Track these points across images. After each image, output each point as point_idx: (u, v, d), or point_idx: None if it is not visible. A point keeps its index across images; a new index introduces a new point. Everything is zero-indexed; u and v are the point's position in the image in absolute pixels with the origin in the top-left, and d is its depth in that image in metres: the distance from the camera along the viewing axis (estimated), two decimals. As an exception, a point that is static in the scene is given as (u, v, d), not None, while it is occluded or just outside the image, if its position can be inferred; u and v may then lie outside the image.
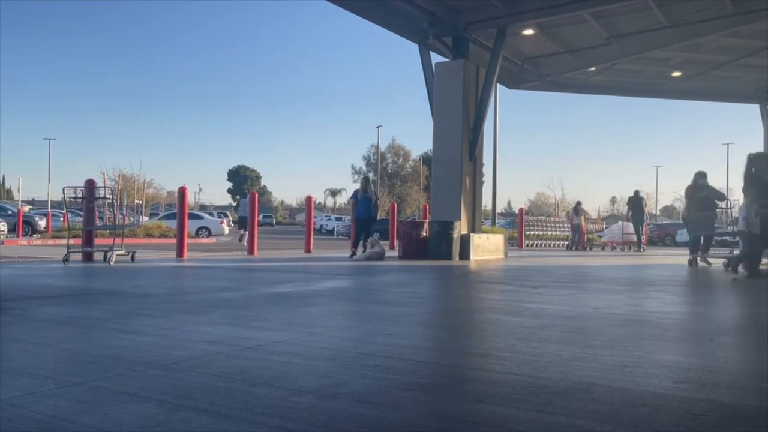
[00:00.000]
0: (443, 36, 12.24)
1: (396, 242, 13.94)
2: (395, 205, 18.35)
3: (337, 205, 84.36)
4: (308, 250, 13.20)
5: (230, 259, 10.61)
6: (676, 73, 16.57)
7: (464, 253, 11.39)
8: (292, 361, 2.66)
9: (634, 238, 18.42)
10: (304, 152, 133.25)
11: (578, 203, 20.63)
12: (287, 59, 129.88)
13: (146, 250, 13.14)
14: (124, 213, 23.04)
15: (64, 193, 9.15)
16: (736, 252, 10.49)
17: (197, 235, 24.79)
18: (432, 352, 3.10)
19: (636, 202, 18.36)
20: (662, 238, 33.01)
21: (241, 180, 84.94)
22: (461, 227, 11.56)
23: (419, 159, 66.83)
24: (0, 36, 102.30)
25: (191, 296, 5.26)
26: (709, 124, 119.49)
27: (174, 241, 11.54)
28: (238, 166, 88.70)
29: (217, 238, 25.14)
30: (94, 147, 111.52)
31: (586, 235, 20.34)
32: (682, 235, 31.31)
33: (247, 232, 19.95)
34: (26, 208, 31.31)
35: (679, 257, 14.52)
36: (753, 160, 8.81)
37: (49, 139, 59.71)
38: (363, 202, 11.69)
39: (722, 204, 10.78)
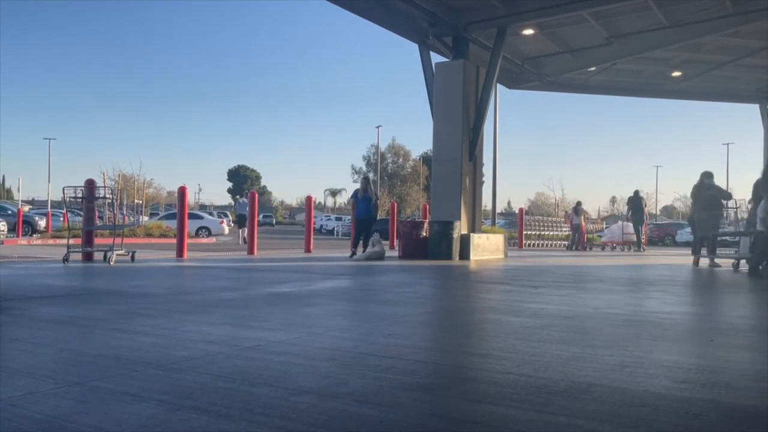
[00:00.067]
0: (443, 36, 12.24)
1: (396, 242, 13.94)
2: (395, 205, 18.35)
3: (337, 205, 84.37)
4: (308, 250, 13.20)
5: (230, 259, 10.61)
6: (676, 73, 16.58)
7: (464, 253, 11.39)
8: (292, 361, 2.66)
9: (634, 238, 18.44)
10: (304, 152, 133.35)
11: (578, 203, 20.65)
12: (287, 59, 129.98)
13: (146, 250, 13.14)
14: (124, 213, 23.02)
15: (64, 192, 9.15)
16: (735, 251, 10.49)
17: (197, 235, 24.80)
18: (432, 352, 3.10)
19: (636, 202, 18.38)
20: (662, 238, 33.04)
21: (241, 180, 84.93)
22: (461, 227, 11.56)
23: (419, 159, 66.84)
24: (0, 36, 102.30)
25: (191, 296, 5.26)
26: (709, 124, 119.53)
27: (174, 241, 11.54)
28: (238, 166, 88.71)
29: (217, 238, 25.15)
30: (94, 147, 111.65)
31: (586, 235, 20.34)
32: (682, 235, 31.40)
33: (245, 230, 20.31)
34: (26, 208, 31.30)
35: (679, 257, 14.52)
36: None
37: (49, 139, 59.82)
38: (363, 202, 11.69)
39: (729, 204, 10.69)
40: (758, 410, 2.10)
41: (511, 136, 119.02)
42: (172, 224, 17.13)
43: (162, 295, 5.20)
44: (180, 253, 10.44)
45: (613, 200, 77.30)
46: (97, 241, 10.22)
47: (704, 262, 10.40)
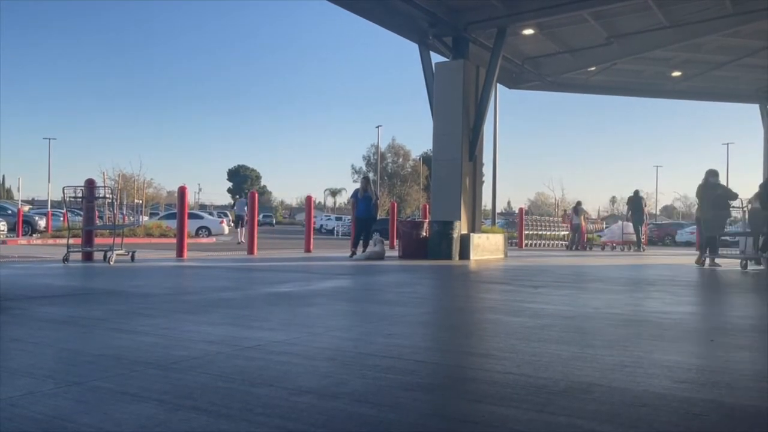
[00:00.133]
0: (443, 36, 12.24)
1: (396, 242, 13.95)
2: (395, 204, 18.35)
3: (337, 205, 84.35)
4: (308, 250, 13.20)
5: (230, 259, 10.61)
6: (676, 73, 16.58)
7: (464, 253, 11.40)
8: (292, 361, 2.66)
9: (634, 238, 18.44)
10: (304, 152, 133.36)
11: (578, 203, 20.66)
12: (287, 59, 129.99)
13: (146, 249, 13.14)
14: (124, 213, 23.04)
15: (63, 192, 9.15)
16: (741, 252, 10.43)
17: (197, 234, 24.79)
18: (432, 352, 3.10)
19: (636, 201, 18.38)
20: (662, 237, 33.05)
21: (241, 180, 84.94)
22: (461, 227, 11.57)
23: (419, 159, 66.83)
24: (0, 36, 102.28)
25: (191, 296, 5.26)
26: (709, 124, 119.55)
27: (174, 240, 11.54)
28: (238, 165, 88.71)
29: (217, 238, 25.15)
30: (94, 147, 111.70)
31: (586, 235, 20.35)
32: (682, 235, 31.41)
33: (243, 229, 20.63)
34: (26, 208, 31.30)
35: (679, 257, 14.52)
36: None
37: (49, 139, 59.84)
38: (363, 202, 11.68)
39: (735, 203, 10.57)
40: (758, 410, 2.10)
41: (511, 136, 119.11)
42: (172, 224, 17.13)
43: (162, 294, 5.20)
44: (180, 252, 10.44)
45: (613, 200, 77.32)
46: (97, 240, 10.22)
47: (716, 261, 10.29)
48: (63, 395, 2.08)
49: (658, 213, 68.82)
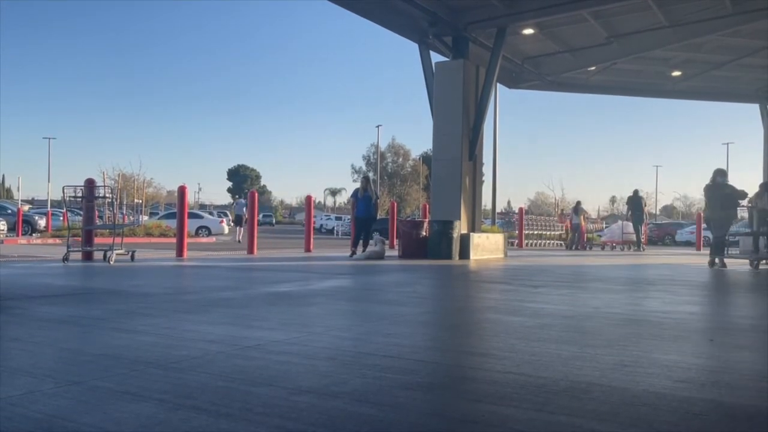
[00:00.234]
0: (443, 36, 12.24)
1: (396, 242, 13.95)
2: (395, 204, 18.35)
3: (337, 205, 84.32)
4: (308, 250, 13.20)
5: (230, 259, 10.61)
6: (676, 73, 16.58)
7: (464, 253, 11.40)
8: (291, 360, 2.66)
9: (634, 237, 18.44)
10: (304, 152, 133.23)
11: (578, 203, 20.66)
12: (287, 59, 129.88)
13: (146, 249, 13.14)
14: (124, 212, 23.04)
15: (63, 192, 9.15)
16: (736, 251, 10.41)
17: (197, 234, 24.78)
18: (432, 351, 3.10)
19: (635, 201, 18.38)
20: (662, 237, 33.03)
21: (241, 179, 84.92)
22: (461, 227, 11.57)
23: (419, 158, 66.81)
24: (0, 36, 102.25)
25: (191, 295, 5.26)
26: (709, 124, 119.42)
27: (174, 240, 11.54)
28: (238, 165, 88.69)
29: (216, 238, 25.14)
30: (94, 146, 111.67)
31: (585, 235, 20.36)
32: (682, 235, 31.40)
33: (242, 229, 20.90)
34: (26, 208, 31.27)
35: (679, 256, 14.53)
36: None
37: (49, 139, 59.65)
38: (363, 202, 11.68)
39: (744, 202, 10.41)
40: (758, 410, 2.10)
41: (511, 135, 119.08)
42: (172, 224, 17.13)
43: (162, 294, 5.20)
44: (180, 252, 10.44)
45: (613, 200, 77.25)
46: (97, 240, 10.22)
47: (725, 262, 10.11)
48: (63, 395, 2.08)
49: (657, 213, 68.82)
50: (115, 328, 3.40)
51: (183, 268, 8.46)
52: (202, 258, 10.63)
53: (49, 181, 55.64)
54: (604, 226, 27.11)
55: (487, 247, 12.20)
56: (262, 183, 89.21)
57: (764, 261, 10.09)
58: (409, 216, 46.84)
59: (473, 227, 12.28)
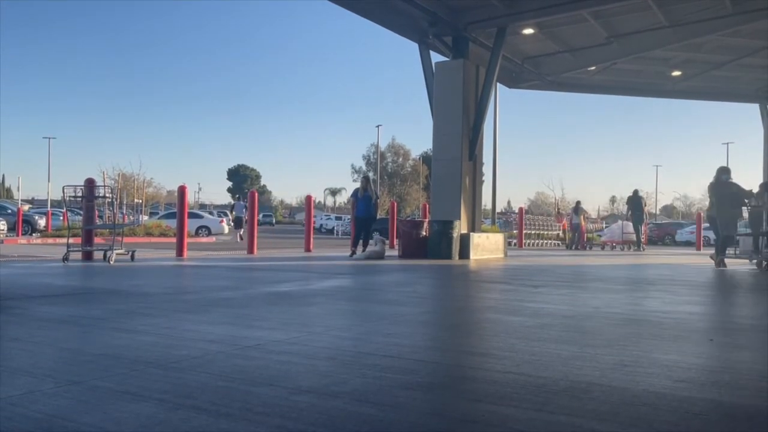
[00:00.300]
0: (443, 35, 12.24)
1: (396, 241, 13.95)
2: (395, 204, 18.36)
3: (337, 205, 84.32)
4: (308, 250, 13.20)
5: (230, 258, 10.61)
6: (676, 73, 16.59)
7: (464, 253, 11.40)
8: (291, 360, 2.66)
9: (634, 237, 18.44)
10: (304, 152, 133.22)
11: (578, 203, 20.67)
12: (287, 59, 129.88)
13: (146, 249, 13.14)
14: (124, 212, 23.04)
15: (63, 192, 9.15)
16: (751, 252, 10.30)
17: (197, 234, 24.78)
18: (432, 351, 3.10)
19: (635, 201, 18.38)
20: (662, 237, 33.03)
21: (241, 179, 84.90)
22: (461, 226, 11.57)
23: (419, 158, 66.80)
24: (0, 36, 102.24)
25: (191, 295, 5.26)
26: (709, 124, 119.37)
27: (174, 240, 11.54)
28: (238, 165, 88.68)
29: (216, 237, 25.14)
30: (94, 146, 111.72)
31: (585, 235, 20.36)
32: (682, 235, 31.40)
33: (242, 229, 21.01)
34: (26, 207, 31.26)
35: (679, 256, 14.53)
36: None
37: (49, 138, 59.61)
38: (363, 201, 11.69)
39: (750, 201, 10.18)
40: (758, 410, 2.10)
41: (511, 135, 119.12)
42: (172, 223, 17.13)
43: (162, 294, 5.20)
44: (180, 252, 10.44)
45: (613, 200, 77.25)
46: (97, 240, 10.23)
47: (732, 262, 10.06)
48: (63, 394, 2.08)
49: (657, 212, 68.82)
50: (115, 328, 3.40)
51: (183, 268, 8.46)
52: (202, 258, 10.63)
53: (49, 181, 55.68)
54: (604, 226, 27.12)
55: (487, 247, 12.20)
56: (262, 183, 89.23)
57: (757, 261, 10.06)
58: (409, 216, 46.85)
59: (473, 227, 12.28)
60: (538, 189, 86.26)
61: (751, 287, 7.33)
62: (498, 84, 15.98)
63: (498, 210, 23.26)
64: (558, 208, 32.52)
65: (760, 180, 15.22)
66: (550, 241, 22.05)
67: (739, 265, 10.15)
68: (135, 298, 4.80)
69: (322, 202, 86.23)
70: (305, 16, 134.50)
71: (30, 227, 23.24)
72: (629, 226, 18.77)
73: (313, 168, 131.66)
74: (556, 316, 4.19)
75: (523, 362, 2.69)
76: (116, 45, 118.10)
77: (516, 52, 14.50)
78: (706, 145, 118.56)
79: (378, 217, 13.03)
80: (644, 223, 19.72)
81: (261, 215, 50.12)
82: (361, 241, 11.70)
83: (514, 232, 20.32)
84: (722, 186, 10.05)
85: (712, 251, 10.42)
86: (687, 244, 28.12)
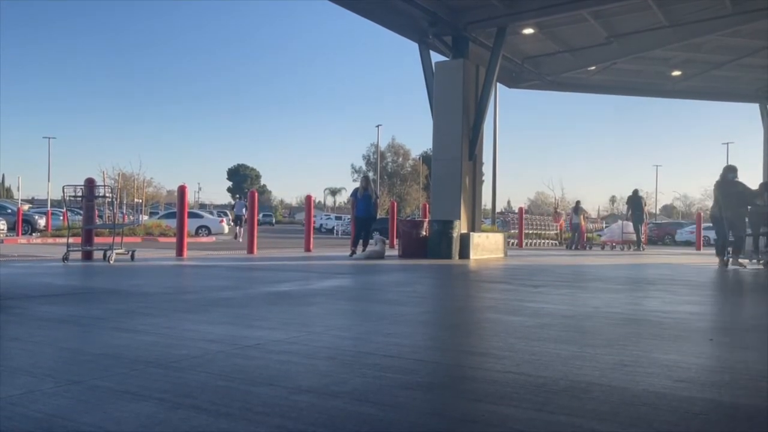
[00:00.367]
0: (443, 35, 12.24)
1: (396, 241, 13.95)
2: (395, 204, 18.36)
3: (337, 204, 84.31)
4: (308, 249, 13.20)
5: (230, 258, 10.61)
6: (676, 73, 16.58)
7: (464, 252, 11.40)
8: (291, 360, 2.66)
9: (634, 237, 18.44)
10: (304, 152, 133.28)
11: (577, 202, 20.68)
12: (287, 59, 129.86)
13: (146, 249, 13.14)
14: (124, 212, 23.04)
15: (63, 191, 9.15)
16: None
17: (197, 233, 24.78)
18: (432, 351, 3.10)
19: (635, 201, 18.38)
20: (662, 237, 33.03)
21: (241, 179, 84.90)
22: (461, 226, 11.57)
23: (419, 158, 66.78)
24: (0, 36, 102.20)
25: (191, 295, 5.26)
26: (709, 124, 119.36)
27: (174, 239, 11.54)
28: (238, 165, 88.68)
29: (216, 237, 25.15)
30: (94, 146, 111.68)
31: (585, 235, 20.37)
32: (682, 234, 31.40)
33: (242, 229, 21.08)
34: (26, 207, 31.26)
35: (679, 256, 14.53)
36: None
37: (49, 138, 59.52)
38: (363, 201, 11.69)
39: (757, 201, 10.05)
40: (758, 410, 2.10)
41: (511, 135, 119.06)
42: (172, 223, 17.13)
43: (162, 294, 5.20)
44: (180, 252, 10.44)
45: (613, 199, 77.25)
46: (97, 240, 10.22)
47: (742, 262, 9.95)
48: (63, 394, 2.08)
49: (657, 212, 68.80)
50: (115, 328, 3.40)
51: (183, 268, 8.46)
52: (202, 257, 10.63)
53: (49, 181, 55.66)
54: (604, 225, 27.11)
55: (487, 247, 12.20)
56: (262, 183, 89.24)
57: (764, 261, 10.05)
58: (409, 216, 46.84)
59: (473, 227, 12.28)
60: (538, 189, 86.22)
61: (752, 287, 7.33)
62: (498, 84, 15.97)
63: (498, 210, 23.28)
64: (556, 208, 32.49)
65: (761, 180, 15.21)
66: (548, 241, 22.08)
67: (739, 265, 10.14)
68: (135, 298, 4.80)
69: (322, 202, 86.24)
70: (305, 16, 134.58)
71: (30, 227, 23.24)
72: (629, 226, 18.77)
73: (313, 168, 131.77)
74: (555, 315, 4.19)
75: (522, 362, 2.69)
76: (116, 45, 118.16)
77: (516, 51, 14.50)
78: (706, 145, 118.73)
79: (378, 216, 13.03)
80: (644, 223, 19.73)
81: (261, 215, 50.09)
82: (361, 241, 11.70)
83: (512, 231, 20.31)
84: (729, 185, 9.92)
85: (730, 253, 10.13)
86: (687, 243, 28.13)
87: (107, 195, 9.83)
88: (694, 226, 23.08)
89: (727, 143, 56.57)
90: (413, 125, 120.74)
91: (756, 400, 2.21)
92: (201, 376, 2.35)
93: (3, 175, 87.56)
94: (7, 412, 1.88)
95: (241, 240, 20.12)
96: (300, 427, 1.78)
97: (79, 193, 9.09)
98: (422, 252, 11.32)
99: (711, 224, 11.24)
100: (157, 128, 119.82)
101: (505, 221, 23.08)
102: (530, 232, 21.58)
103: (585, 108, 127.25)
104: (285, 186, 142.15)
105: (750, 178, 10.17)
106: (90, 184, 9.35)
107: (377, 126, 65.14)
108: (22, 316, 3.79)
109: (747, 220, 10.08)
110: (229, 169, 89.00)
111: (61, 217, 23.61)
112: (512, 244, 18.53)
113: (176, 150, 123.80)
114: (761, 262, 9.83)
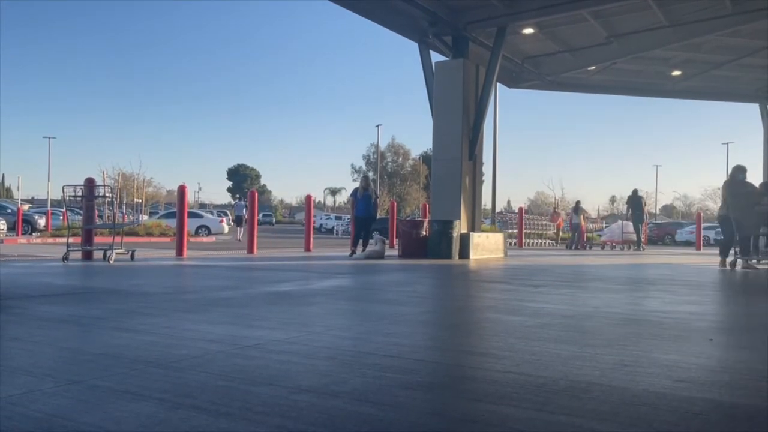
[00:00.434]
0: (443, 35, 12.24)
1: (396, 241, 13.95)
2: (395, 204, 18.36)
3: (337, 204, 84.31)
4: (308, 249, 13.20)
5: (230, 258, 10.61)
6: (676, 73, 16.59)
7: (464, 252, 11.40)
8: (291, 359, 2.66)
9: (634, 237, 18.44)
10: (304, 152, 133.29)
11: (577, 202, 20.68)
12: (287, 59, 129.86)
13: (146, 248, 13.13)
14: (124, 212, 23.05)
15: (63, 191, 9.15)
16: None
17: (197, 233, 24.78)
18: (431, 350, 3.10)
19: (635, 201, 18.38)
20: (662, 237, 33.04)
21: (241, 179, 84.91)
22: (461, 226, 11.57)
23: (419, 158, 66.77)
24: (0, 36, 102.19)
25: (191, 295, 5.26)
26: (709, 124, 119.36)
27: (173, 239, 11.54)
28: (238, 164, 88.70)
29: (216, 237, 25.15)
30: (94, 146, 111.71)
31: (585, 235, 20.36)
32: (682, 234, 31.42)
33: (242, 229, 21.13)
34: (26, 207, 31.26)
35: (679, 256, 14.53)
36: None
37: (49, 138, 59.43)
38: (363, 201, 11.69)
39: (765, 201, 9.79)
40: (758, 410, 2.10)
41: (511, 135, 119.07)
42: (172, 223, 17.12)
43: (162, 293, 5.20)
44: (180, 251, 10.44)
45: (613, 199, 77.27)
46: (97, 239, 10.22)
47: (726, 262, 9.87)
48: (63, 394, 2.08)
49: (657, 212, 68.80)
50: (115, 328, 3.40)
51: (183, 268, 8.45)
52: (202, 257, 10.63)
53: (49, 181, 55.62)
54: (604, 225, 27.11)
55: (487, 247, 12.20)
56: (262, 182, 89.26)
57: (764, 261, 10.02)
58: (409, 216, 46.83)
59: (473, 227, 12.28)
60: (538, 189, 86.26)
61: (752, 287, 7.33)
62: (498, 84, 15.97)
63: (498, 209, 23.28)
64: (555, 207, 32.51)
65: (761, 180, 15.20)
66: (546, 241, 22.10)
67: (749, 267, 10.10)
68: (135, 298, 4.80)
69: (322, 202, 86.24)
70: (305, 16, 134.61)
71: (30, 227, 23.24)
72: (629, 226, 18.77)
73: (313, 168, 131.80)
74: (555, 315, 4.19)
75: (522, 362, 2.69)
76: (116, 45, 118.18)
77: (516, 51, 14.50)
78: (706, 145, 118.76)
79: (378, 216, 13.03)
80: (644, 223, 19.73)
81: (261, 215, 50.07)
82: (360, 241, 11.70)
83: (510, 231, 20.31)
84: (738, 185, 9.82)
85: (732, 254, 9.98)
86: (687, 243, 28.13)
87: (107, 195, 9.83)
88: (694, 226, 23.09)
89: (727, 143, 56.52)
90: (413, 125, 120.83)
91: (756, 400, 2.21)
92: (201, 375, 2.35)
93: (3, 175, 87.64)
94: (7, 412, 1.88)
95: (241, 240, 20.17)
96: (300, 427, 1.78)
97: (79, 193, 9.09)
98: (422, 252, 11.32)
99: (719, 224, 11.08)
100: (157, 128, 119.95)
101: (503, 221, 23.10)
102: (532, 232, 21.59)
103: (585, 108, 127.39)
104: (285, 186, 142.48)
105: (750, 178, 10.12)
106: (90, 184, 9.35)
107: (377, 126, 65.14)
108: (22, 316, 3.79)
109: (755, 221, 9.94)
110: (229, 169, 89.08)
111: (61, 217, 23.60)
112: (512, 244, 18.53)
113: (176, 150, 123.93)
114: (761, 262, 9.80)
